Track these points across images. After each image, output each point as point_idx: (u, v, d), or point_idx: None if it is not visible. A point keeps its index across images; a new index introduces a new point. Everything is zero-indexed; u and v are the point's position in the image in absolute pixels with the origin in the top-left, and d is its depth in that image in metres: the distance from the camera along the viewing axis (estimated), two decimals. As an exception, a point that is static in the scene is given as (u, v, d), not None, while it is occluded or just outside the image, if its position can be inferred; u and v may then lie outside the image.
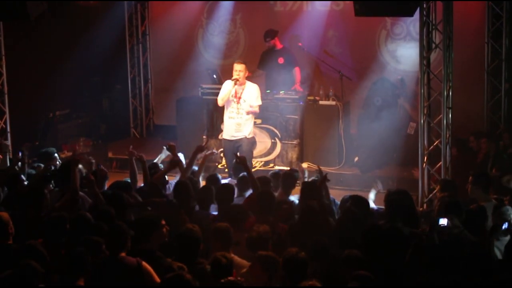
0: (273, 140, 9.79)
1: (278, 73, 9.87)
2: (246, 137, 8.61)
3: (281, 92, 9.79)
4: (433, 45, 7.89)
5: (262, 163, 9.79)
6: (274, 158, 9.79)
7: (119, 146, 10.86)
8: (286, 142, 9.74)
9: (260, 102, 8.65)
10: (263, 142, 9.80)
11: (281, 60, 9.96)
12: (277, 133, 9.76)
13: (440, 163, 7.96)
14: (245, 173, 7.08)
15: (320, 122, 9.68)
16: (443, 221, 5.33)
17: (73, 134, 11.62)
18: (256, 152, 9.74)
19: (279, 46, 10.06)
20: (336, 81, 9.93)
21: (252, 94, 8.56)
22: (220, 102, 8.66)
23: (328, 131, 9.62)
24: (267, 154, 9.82)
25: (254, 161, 9.70)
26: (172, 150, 7.52)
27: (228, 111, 8.62)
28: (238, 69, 8.45)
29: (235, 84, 8.45)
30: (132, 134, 12.20)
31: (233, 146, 8.60)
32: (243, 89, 8.55)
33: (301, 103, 9.71)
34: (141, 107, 12.29)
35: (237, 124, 8.56)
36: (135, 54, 12.13)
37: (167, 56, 11.83)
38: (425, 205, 7.96)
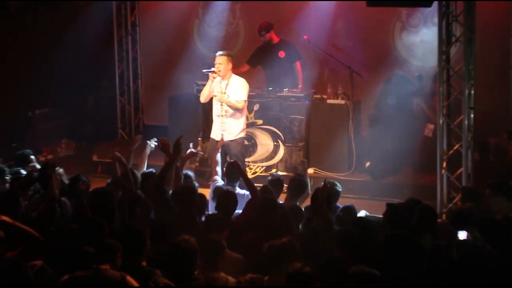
0: (275, 143, 9.79)
1: (280, 69, 9.87)
2: (234, 139, 8.63)
3: (284, 90, 9.79)
4: (453, 39, 7.90)
5: (264, 168, 9.79)
6: (277, 163, 9.78)
7: (105, 149, 10.84)
8: (290, 145, 9.74)
9: (243, 98, 8.62)
10: (265, 145, 9.80)
11: (282, 54, 9.97)
12: (280, 135, 9.76)
13: (461, 169, 7.96)
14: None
15: (327, 123, 9.68)
16: (463, 234, 5.33)
17: (54, 135, 11.62)
18: (256, 156, 9.74)
19: (275, 39, 10.08)
20: (345, 78, 9.92)
21: (235, 88, 8.59)
22: (201, 98, 8.78)
23: (337, 133, 9.62)
24: (269, 158, 9.82)
25: (254, 166, 9.70)
26: (166, 148, 7.41)
27: (214, 108, 8.70)
28: (218, 61, 8.53)
29: (214, 78, 8.52)
30: (120, 135, 12.18)
31: (222, 149, 8.59)
32: (227, 84, 8.59)
33: (306, 102, 9.71)
34: (129, 106, 12.27)
35: (222, 123, 8.61)
36: (123, 47, 12.11)
37: (159, 49, 11.84)
38: (443, 216, 7.95)
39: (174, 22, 11.66)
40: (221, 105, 8.62)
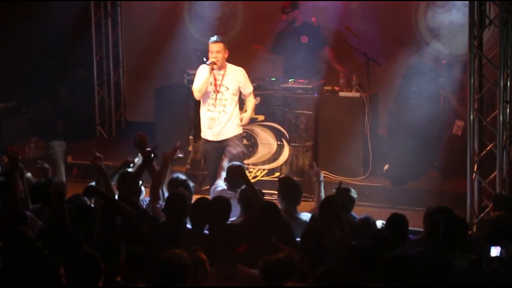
0: (279, 142, 9.79)
1: (301, 58, 9.86)
2: (233, 136, 8.62)
3: (290, 80, 9.79)
4: (487, 21, 7.88)
5: (266, 171, 9.79)
6: (281, 165, 9.78)
7: (82, 149, 10.85)
8: (296, 144, 9.75)
9: (251, 88, 8.73)
10: (267, 145, 9.80)
11: (305, 39, 9.98)
12: (284, 133, 9.77)
13: (495, 173, 7.95)
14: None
15: (339, 119, 9.68)
16: (496, 250, 5.32)
17: (21, 133, 11.61)
18: (257, 158, 9.75)
19: (299, 21, 10.08)
20: (360, 67, 9.94)
21: (236, 79, 8.57)
22: (197, 95, 8.64)
23: (350, 131, 9.62)
24: (272, 160, 9.82)
25: (254, 169, 9.70)
26: (143, 144, 7.42)
27: (206, 103, 8.63)
28: (215, 49, 8.47)
29: (212, 69, 8.48)
30: (98, 133, 12.20)
31: (216, 148, 8.62)
32: (223, 75, 8.57)
33: (315, 94, 9.71)
34: (109, 99, 12.28)
35: (212, 118, 8.57)
36: (102, 30, 12.12)
37: (143, 32, 11.83)
38: (474, 228, 7.95)
39: (161, 1, 11.66)
40: (215, 99, 8.55)
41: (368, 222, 6.49)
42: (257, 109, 9.73)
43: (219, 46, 8.48)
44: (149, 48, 11.81)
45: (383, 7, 10.69)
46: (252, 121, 9.72)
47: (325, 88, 9.83)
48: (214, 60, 8.45)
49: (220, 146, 8.61)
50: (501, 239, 5.65)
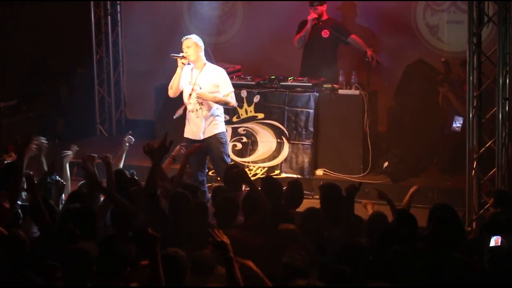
0: (279, 140, 9.80)
1: (320, 55, 9.87)
2: (213, 135, 8.50)
3: (289, 78, 9.80)
4: (486, 18, 7.89)
5: (265, 169, 9.80)
6: (280, 163, 9.79)
7: (82, 147, 10.82)
8: (296, 142, 9.75)
9: (231, 89, 8.49)
10: (266, 143, 9.81)
11: (326, 33, 9.97)
12: (284, 131, 9.77)
13: (494, 169, 7.96)
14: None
15: (339, 117, 9.69)
16: (496, 240, 5.33)
17: (22, 132, 11.58)
18: (257, 156, 9.75)
19: (325, 16, 10.07)
20: (360, 64, 9.94)
21: (211, 79, 8.44)
22: (170, 93, 8.64)
23: (350, 128, 9.63)
24: (271, 158, 9.83)
25: (254, 167, 9.70)
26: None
27: (186, 102, 8.60)
28: (186, 45, 8.44)
29: (183, 64, 8.43)
30: (99, 131, 12.20)
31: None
32: (198, 73, 8.52)
33: (315, 92, 9.72)
34: (109, 97, 12.29)
35: (191, 117, 8.51)
36: (102, 29, 12.12)
37: (143, 31, 11.83)
38: (474, 224, 7.96)
39: (161, 0, 11.66)
40: (190, 97, 8.46)
41: (379, 218, 6.46)
42: (257, 107, 9.76)
43: (190, 42, 8.42)
44: (149, 47, 11.80)
45: (381, 5, 10.70)
46: (251, 119, 9.75)
47: (325, 85, 9.83)
48: (183, 54, 8.43)
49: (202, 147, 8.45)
50: (501, 230, 5.66)
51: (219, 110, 8.57)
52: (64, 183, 7.44)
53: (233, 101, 8.53)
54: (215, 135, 8.52)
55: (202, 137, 8.49)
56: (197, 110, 8.48)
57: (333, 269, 4.94)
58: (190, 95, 8.48)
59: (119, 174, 7.41)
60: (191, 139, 8.54)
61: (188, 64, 8.49)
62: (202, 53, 8.53)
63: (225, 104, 8.50)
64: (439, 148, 9.65)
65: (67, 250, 5.22)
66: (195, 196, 6.73)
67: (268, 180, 7.36)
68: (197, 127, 8.51)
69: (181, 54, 8.45)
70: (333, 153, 9.69)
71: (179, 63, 8.48)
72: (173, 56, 8.53)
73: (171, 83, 8.61)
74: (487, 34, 8.40)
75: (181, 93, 8.64)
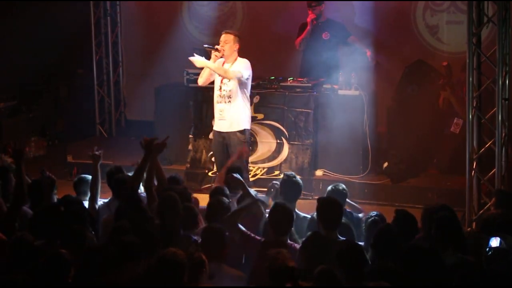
0: (278, 141, 9.78)
1: (321, 56, 9.86)
2: (236, 132, 8.57)
3: (289, 79, 9.79)
4: (485, 19, 7.89)
5: (265, 170, 9.79)
6: (280, 164, 9.78)
7: (82, 148, 10.84)
8: (296, 143, 9.74)
9: (246, 74, 8.54)
10: (266, 143, 9.80)
11: (326, 35, 9.99)
12: (284, 131, 9.76)
13: (494, 170, 7.95)
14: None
15: (339, 117, 9.66)
16: (495, 242, 5.32)
17: (21, 132, 11.61)
18: (257, 157, 9.74)
19: (324, 17, 10.10)
20: (359, 65, 9.92)
21: (238, 68, 8.57)
22: (199, 80, 8.80)
23: (350, 129, 9.59)
24: (271, 158, 9.82)
25: (254, 168, 9.69)
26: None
27: (215, 94, 8.72)
28: (223, 39, 8.58)
29: (216, 56, 8.51)
30: (98, 132, 12.20)
31: (222, 142, 8.63)
32: (230, 66, 8.60)
33: (315, 93, 9.71)
34: (109, 98, 12.29)
35: (220, 110, 8.62)
36: (101, 30, 12.12)
37: (143, 32, 11.84)
38: (473, 224, 7.95)
39: (160, 0, 11.65)
40: (220, 89, 8.59)
41: (377, 221, 6.45)
42: (256, 108, 9.75)
43: (229, 37, 8.58)
44: (149, 47, 11.82)
45: (381, 5, 10.70)
46: (251, 119, 9.73)
47: (324, 86, 9.83)
48: (219, 47, 8.53)
49: (224, 141, 8.60)
50: (500, 231, 5.66)
51: (246, 106, 8.66)
52: (55, 179, 7.45)
53: (232, 75, 8.49)
54: (236, 131, 8.60)
55: (226, 130, 8.61)
56: (225, 103, 8.58)
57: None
58: (220, 87, 8.60)
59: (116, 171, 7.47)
60: (217, 131, 8.67)
61: (221, 57, 8.58)
62: (236, 50, 8.62)
63: (224, 72, 8.51)
64: (439, 148, 9.64)
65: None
66: (185, 200, 6.68)
67: (286, 180, 7.27)
68: (222, 120, 8.61)
69: (215, 47, 8.53)
70: (332, 154, 9.68)
71: (212, 55, 8.58)
72: (206, 47, 8.66)
73: (202, 72, 8.71)
74: (486, 35, 8.40)
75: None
